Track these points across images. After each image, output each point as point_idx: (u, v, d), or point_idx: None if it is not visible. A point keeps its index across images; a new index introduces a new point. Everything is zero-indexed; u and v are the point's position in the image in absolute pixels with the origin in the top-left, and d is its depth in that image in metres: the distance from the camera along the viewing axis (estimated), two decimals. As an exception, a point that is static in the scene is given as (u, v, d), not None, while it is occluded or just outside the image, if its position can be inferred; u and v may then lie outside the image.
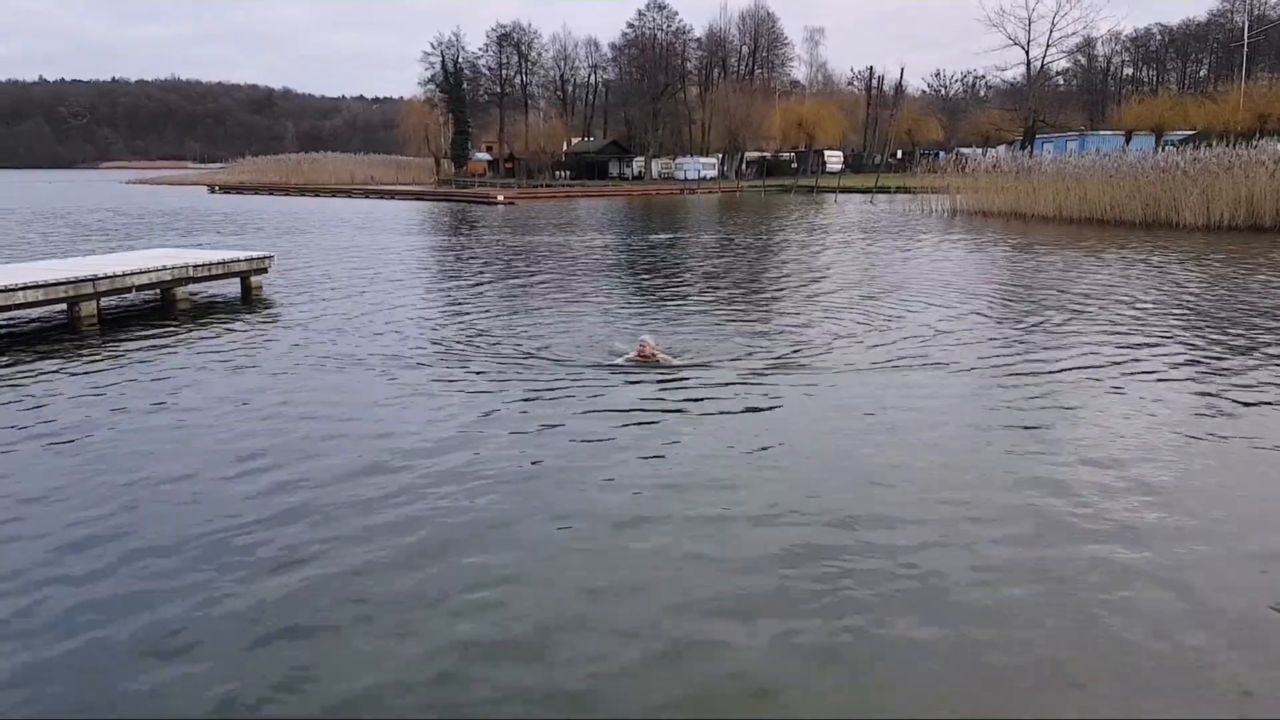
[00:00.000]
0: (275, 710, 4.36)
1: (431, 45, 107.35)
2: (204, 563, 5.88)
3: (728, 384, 10.16)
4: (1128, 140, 65.42)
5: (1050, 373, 10.98)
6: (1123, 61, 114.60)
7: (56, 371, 11.36)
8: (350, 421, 8.96)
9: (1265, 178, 32.05)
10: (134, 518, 6.60)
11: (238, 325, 14.72)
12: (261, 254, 18.59)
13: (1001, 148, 66.31)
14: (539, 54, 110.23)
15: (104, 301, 15.04)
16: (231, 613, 5.25)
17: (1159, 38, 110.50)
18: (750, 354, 11.74)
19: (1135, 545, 6.02)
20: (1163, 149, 44.62)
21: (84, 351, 12.54)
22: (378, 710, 4.32)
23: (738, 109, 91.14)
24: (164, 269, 15.83)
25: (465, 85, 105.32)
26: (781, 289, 18.63)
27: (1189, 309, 15.80)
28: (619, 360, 11.03)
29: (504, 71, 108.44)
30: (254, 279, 17.86)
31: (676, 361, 11.08)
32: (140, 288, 15.52)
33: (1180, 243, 27.68)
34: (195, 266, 16.47)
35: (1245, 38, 75.66)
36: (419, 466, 7.52)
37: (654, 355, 10.97)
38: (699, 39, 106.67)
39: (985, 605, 5.27)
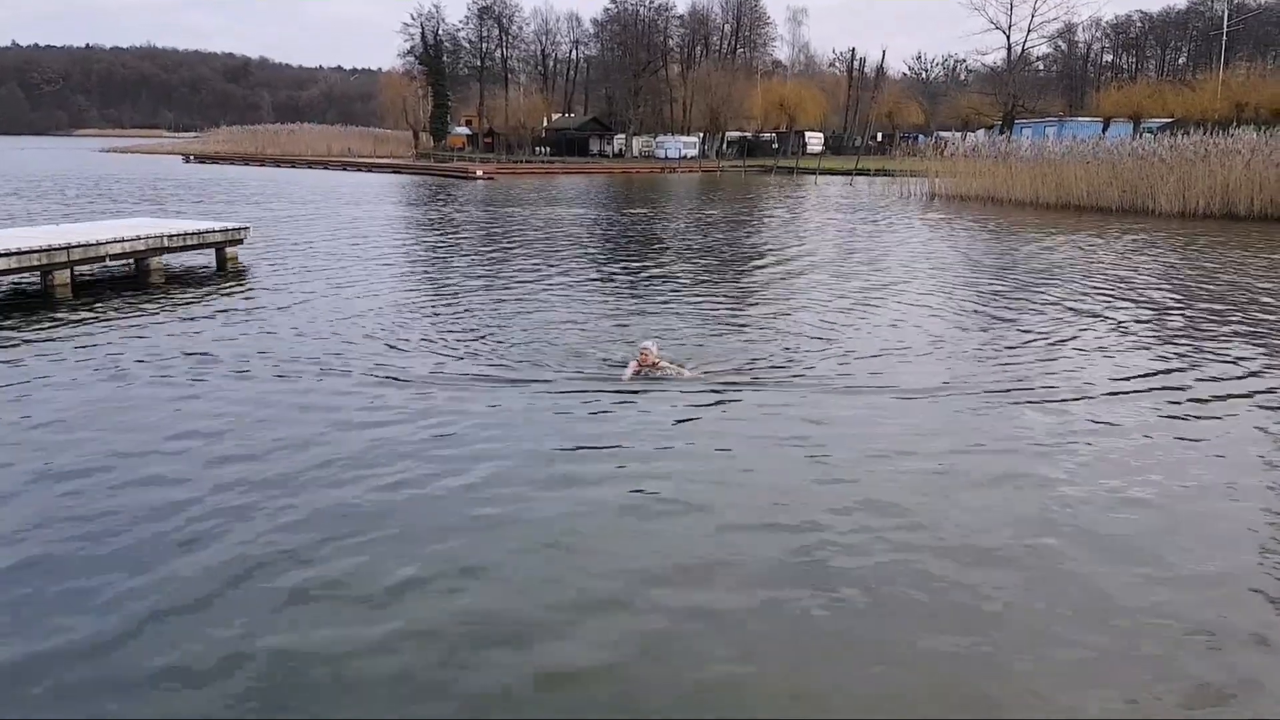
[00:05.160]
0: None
1: (411, 17, 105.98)
2: (155, 538, 5.88)
3: (731, 399, 9.10)
4: (1106, 127, 65.77)
5: (1029, 371, 11.05)
6: (1102, 48, 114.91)
7: (27, 340, 11.28)
8: (316, 410, 8.57)
9: (1241, 166, 32.31)
10: (90, 492, 6.55)
11: (212, 297, 14.62)
12: (237, 225, 18.45)
13: (981, 132, 66.43)
14: (520, 28, 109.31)
15: (78, 270, 14.89)
16: (179, 592, 5.25)
17: (1139, 25, 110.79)
18: (749, 362, 10.60)
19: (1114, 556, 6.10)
20: (1140, 136, 44.86)
21: (56, 320, 12.43)
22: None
23: (719, 88, 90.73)
24: (138, 239, 15.67)
25: (445, 58, 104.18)
26: (773, 282, 17.78)
27: (1172, 298, 15.96)
28: (625, 375, 9.70)
29: (484, 45, 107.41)
30: (229, 250, 17.73)
31: (679, 370, 9.96)
32: (114, 257, 15.37)
33: (1157, 230, 27.89)
34: (170, 237, 16.32)
35: (1224, 26, 76.03)
36: (380, 466, 7.11)
37: (656, 364, 9.81)
38: (681, 16, 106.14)
39: (964, 612, 5.32)
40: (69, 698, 4.28)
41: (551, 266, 18.79)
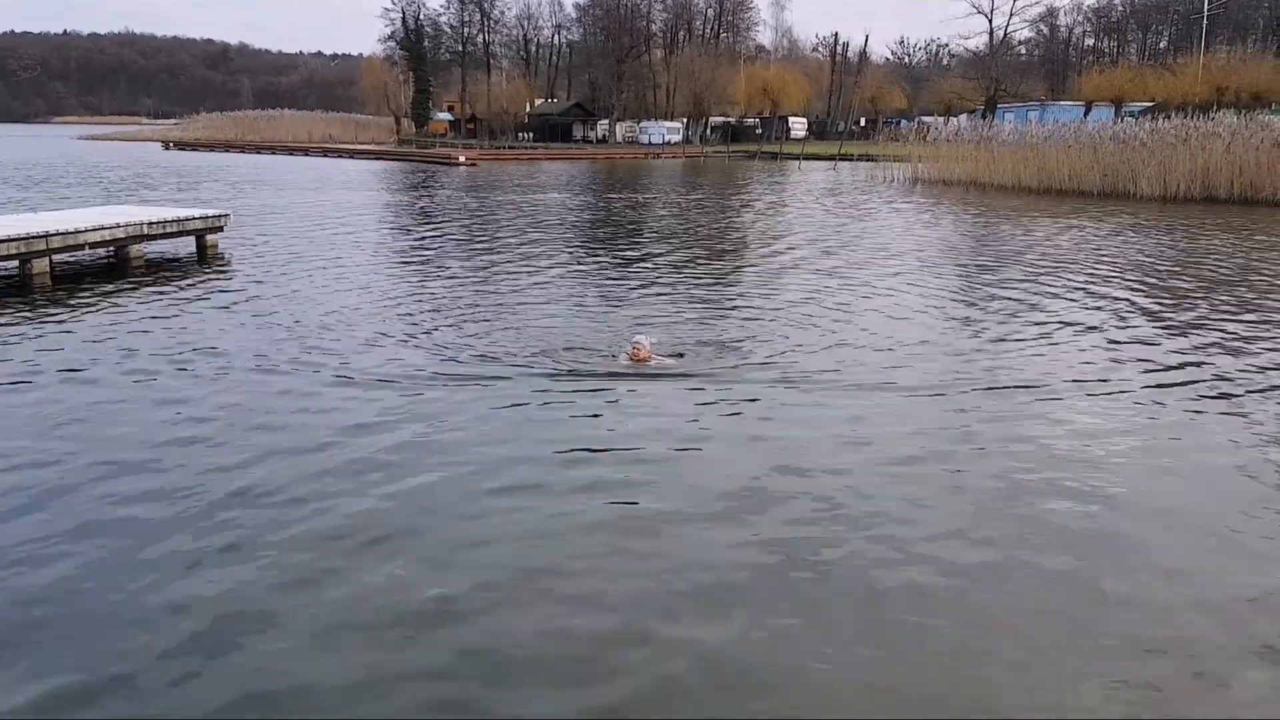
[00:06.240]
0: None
1: (392, 1, 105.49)
2: (129, 538, 5.78)
3: (721, 396, 8.75)
4: (1087, 111, 65.96)
5: (1012, 369, 11.06)
6: (1084, 32, 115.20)
7: (6, 329, 11.17)
8: (296, 410, 8.28)
9: (1221, 150, 32.51)
10: (65, 491, 6.43)
11: (192, 286, 14.52)
12: (217, 212, 18.32)
13: (963, 117, 66.54)
14: (502, 12, 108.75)
15: (57, 259, 14.78)
16: (147, 588, 5.17)
17: (1120, 8, 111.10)
18: (737, 356, 10.30)
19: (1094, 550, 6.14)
20: (1122, 120, 45.02)
21: (35, 310, 12.34)
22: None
23: (702, 73, 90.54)
24: (118, 226, 15.55)
25: (426, 43, 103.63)
26: (758, 271, 17.37)
27: (1156, 283, 16.07)
28: (608, 363, 9.61)
29: (466, 30, 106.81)
30: (209, 237, 17.61)
31: (670, 364, 9.71)
32: (94, 245, 15.25)
33: (1140, 213, 28.02)
34: (150, 224, 16.20)
35: (1205, 10, 76.25)
36: (359, 469, 6.81)
37: (648, 359, 9.60)
38: (664, 0, 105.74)
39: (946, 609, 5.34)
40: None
41: (536, 255, 18.72)
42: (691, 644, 4.71)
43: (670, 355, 10.06)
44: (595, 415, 8.26)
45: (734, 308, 13.33)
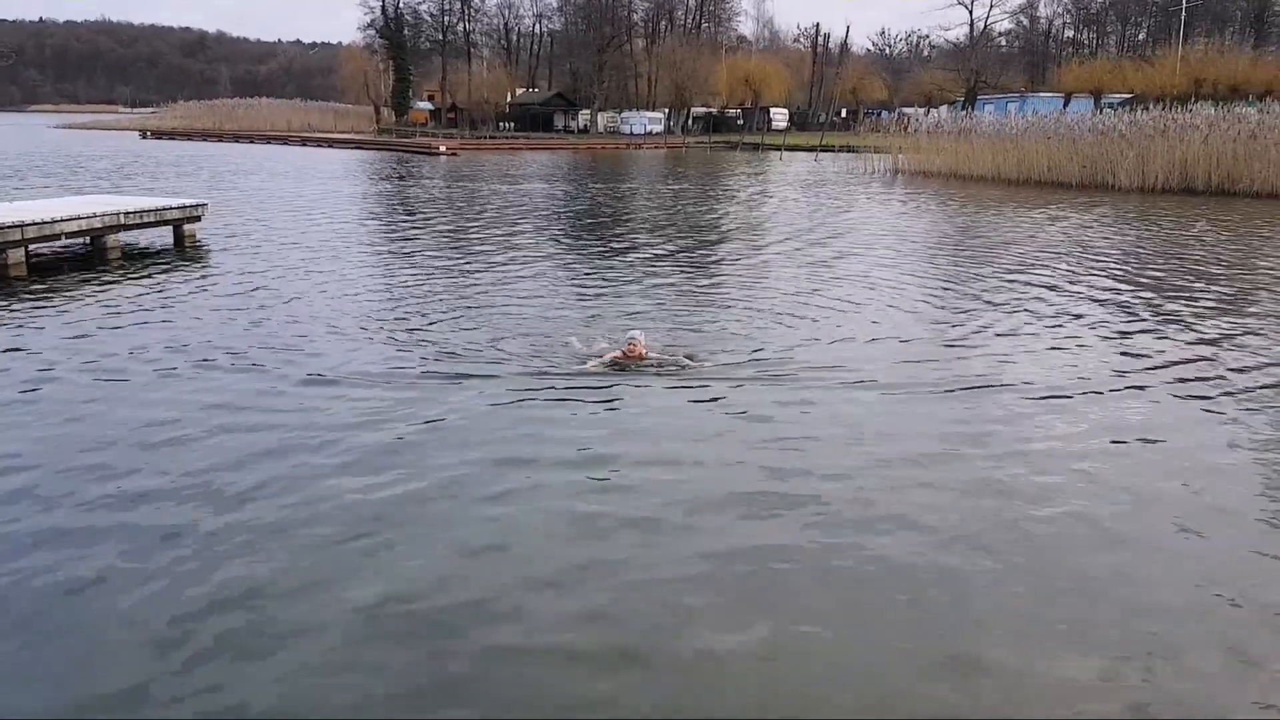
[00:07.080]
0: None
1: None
2: (100, 533, 5.74)
3: (714, 394, 8.58)
4: (1067, 102, 66.23)
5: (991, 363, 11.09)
6: (1064, 24, 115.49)
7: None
8: (274, 402, 8.18)
9: (1198, 141, 32.74)
10: (39, 483, 6.36)
11: (169, 275, 14.43)
12: (195, 201, 18.22)
13: (944, 108, 66.69)
14: (482, 0, 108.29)
15: (33, 249, 14.64)
16: (119, 590, 5.10)
17: (1099, 0, 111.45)
18: (731, 353, 10.11)
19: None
20: (1100, 111, 45.23)
21: (10, 301, 12.22)
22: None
23: (684, 63, 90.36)
24: (95, 216, 15.42)
25: (406, 31, 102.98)
26: (743, 265, 17.13)
27: (1137, 276, 16.17)
28: (601, 363, 9.30)
29: (446, 18, 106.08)
30: (187, 227, 17.50)
31: (666, 361, 9.50)
32: (70, 235, 15.11)
33: (1118, 205, 28.19)
34: (127, 214, 16.07)
35: (1183, 2, 76.61)
36: (343, 470, 6.70)
37: (643, 356, 9.36)
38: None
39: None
40: None
41: (521, 248, 18.62)
42: (693, 645, 4.69)
43: (664, 353, 9.84)
44: (591, 415, 8.09)
45: (725, 303, 13.21)
